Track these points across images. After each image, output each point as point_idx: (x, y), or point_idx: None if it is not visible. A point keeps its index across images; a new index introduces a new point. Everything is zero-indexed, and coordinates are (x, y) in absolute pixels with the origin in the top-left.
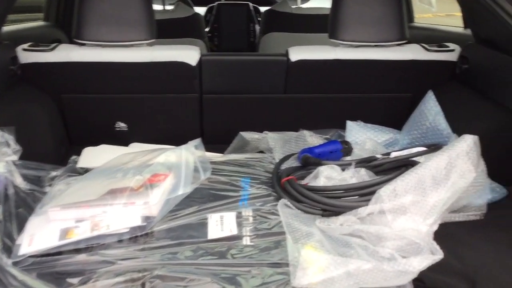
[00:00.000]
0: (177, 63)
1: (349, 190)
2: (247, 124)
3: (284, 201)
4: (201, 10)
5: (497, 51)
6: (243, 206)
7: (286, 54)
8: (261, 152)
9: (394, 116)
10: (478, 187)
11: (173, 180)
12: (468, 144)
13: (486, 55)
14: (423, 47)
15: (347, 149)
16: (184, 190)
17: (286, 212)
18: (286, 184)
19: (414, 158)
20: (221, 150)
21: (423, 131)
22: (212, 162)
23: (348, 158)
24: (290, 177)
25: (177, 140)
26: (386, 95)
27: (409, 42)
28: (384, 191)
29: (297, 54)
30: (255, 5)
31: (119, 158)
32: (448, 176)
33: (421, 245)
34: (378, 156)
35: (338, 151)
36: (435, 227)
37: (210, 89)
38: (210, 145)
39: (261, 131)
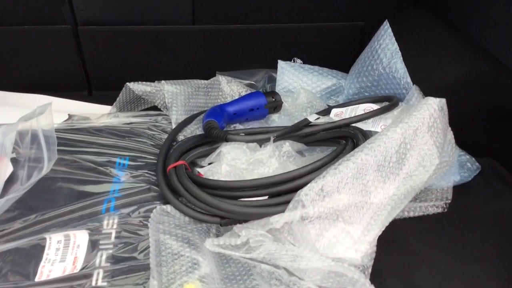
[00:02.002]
0: None
1: (256, 187)
2: (145, 66)
3: (161, 208)
4: None
5: None
6: (108, 213)
7: None
8: (159, 111)
9: (340, 52)
10: (443, 166)
11: (7, 170)
12: (430, 113)
13: None
14: None
15: (273, 103)
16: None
17: (160, 227)
18: (173, 174)
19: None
20: (115, 99)
21: (374, 78)
22: (77, 130)
23: (276, 116)
24: (179, 162)
25: (55, 86)
26: (330, 25)
27: None
28: (307, 193)
29: None
30: None
31: None
32: (400, 164)
33: (354, 278)
34: (312, 118)
35: (262, 108)
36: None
37: (88, 18)
38: (100, 93)
39: (164, 74)
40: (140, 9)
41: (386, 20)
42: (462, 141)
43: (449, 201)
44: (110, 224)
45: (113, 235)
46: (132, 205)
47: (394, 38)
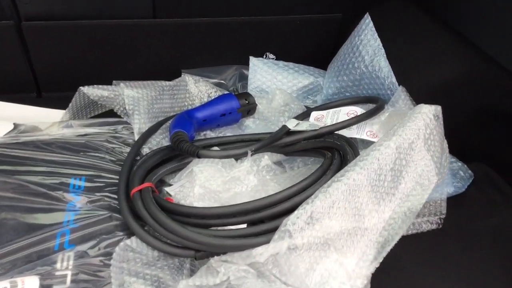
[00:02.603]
0: None
1: (235, 214)
2: (101, 65)
3: (125, 244)
4: None
5: None
6: (62, 250)
7: None
8: (119, 117)
9: (316, 47)
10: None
11: None
12: (426, 123)
13: None
14: None
15: (247, 106)
16: None
17: (124, 267)
18: (137, 199)
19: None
20: (68, 101)
21: (356, 77)
22: (23, 145)
23: (250, 121)
24: (145, 184)
25: (1, 89)
26: (305, 17)
27: None
28: (294, 221)
29: None
30: None
31: None
32: (396, 183)
33: None
34: (291, 125)
35: (234, 112)
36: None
37: (33, 12)
38: (50, 94)
39: (123, 74)
40: (93, 1)
41: (367, 13)
42: (451, 145)
43: (444, 215)
44: (64, 265)
45: (69, 278)
46: (90, 239)
47: (376, 34)
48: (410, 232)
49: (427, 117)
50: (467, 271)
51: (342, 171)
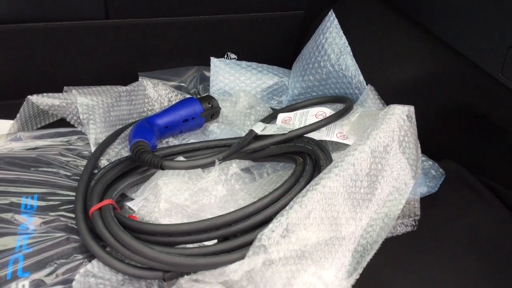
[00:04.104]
0: None
1: (205, 230)
2: (51, 71)
3: (86, 271)
4: None
5: None
6: (16, 279)
7: None
8: (72, 126)
9: (279, 46)
10: None
11: None
12: (400, 125)
13: None
14: None
15: (210, 110)
16: None
17: None
18: (97, 218)
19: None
20: (16, 111)
21: (322, 76)
22: None
23: (214, 125)
24: (105, 201)
25: None
26: (266, 14)
27: None
28: (269, 235)
29: None
30: None
31: None
32: (372, 189)
33: None
34: (258, 129)
35: (198, 117)
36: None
37: None
38: None
39: (75, 80)
40: (40, 3)
41: (332, 10)
42: (421, 143)
43: (418, 217)
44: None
45: None
46: (46, 265)
47: (341, 31)
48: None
49: (401, 118)
50: (444, 273)
51: (316, 178)
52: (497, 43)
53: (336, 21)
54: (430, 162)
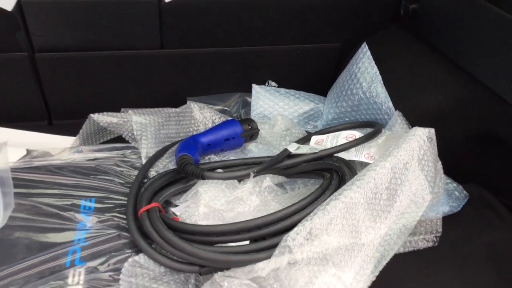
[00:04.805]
0: None
1: (238, 231)
2: (110, 94)
3: (134, 260)
4: None
5: None
6: (73, 266)
7: None
8: (127, 142)
9: (316, 75)
10: (433, 198)
11: None
12: (420, 144)
13: None
14: None
15: (250, 132)
16: None
17: (133, 282)
18: (145, 218)
19: (345, 152)
20: (78, 129)
21: (354, 103)
22: (36, 169)
23: (253, 145)
24: (152, 204)
25: (12, 116)
26: (305, 46)
27: None
28: (294, 237)
29: None
30: None
31: None
32: (391, 201)
33: None
34: (292, 148)
35: (238, 137)
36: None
37: (46, 45)
38: (61, 122)
39: (131, 102)
40: (103, 34)
41: (364, 42)
42: (447, 167)
43: (440, 233)
44: (76, 280)
45: None
46: (100, 256)
47: (373, 61)
48: (407, 250)
49: (421, 139)
50: (462, 287)
51: (340, 190)
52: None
53: (368, 52)
54: (455, 184)
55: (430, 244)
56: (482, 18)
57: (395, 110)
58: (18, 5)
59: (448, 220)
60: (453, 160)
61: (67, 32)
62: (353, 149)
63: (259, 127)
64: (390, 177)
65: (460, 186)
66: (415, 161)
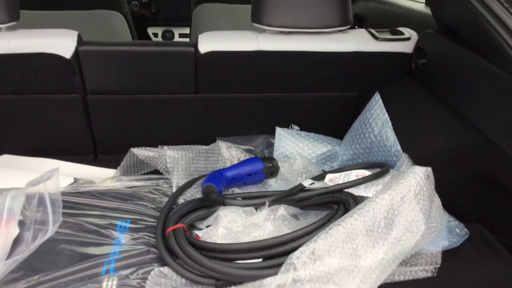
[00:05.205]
0: (46, 56)
1: (250, 250)
2: (149, 132)
3: (159, 270)
4: None
5: (458, 44)
6: (108, 274)
7: (195, 44)
8: (161, 174)
9: (335, 120)
10: (431, 231)
11: (14, 232)
12: (417, 181)
13: (446, 48)
14: (372, 34)
15: (271, 168)
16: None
17: None
18: (171, 236)
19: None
20: (119, 163)
21: (366, 145)
22: (82, 194)
23: (272, 180)
24: (178, 225)
25: (63, 150)
26: (325, 95)
27: (360, 21)
28: (299, 256)
29: (207, 43)
30: None
31: None
32: (389, 229)
33: None
34: (307, 183)
35: (259, 173)
36: None
37: (97, 88)
38: (105, 156)
39: (167, 140)
40: (146, 79)
41: (377, 92)
42: (451, 207)
43: (438, 265)
44: (109, 285)
45: None
46: (131, 267)
47: (384, 109)
48: (407, 278)
49: (418, 176)
50: None
51: (342, 217)
52: (502, 119)
53: (380, 101)
54: (456, 222)
55: (429, 274)
56: (478, 72)
57: (403, 152)
58: (75, 53)
59: (447, 253)
60: (457, 200)
61: (115, 77)
62: (362, 186)
63: (279, 165)
64: (388, 208)
65: (462, 224)
66: (412, 195)
